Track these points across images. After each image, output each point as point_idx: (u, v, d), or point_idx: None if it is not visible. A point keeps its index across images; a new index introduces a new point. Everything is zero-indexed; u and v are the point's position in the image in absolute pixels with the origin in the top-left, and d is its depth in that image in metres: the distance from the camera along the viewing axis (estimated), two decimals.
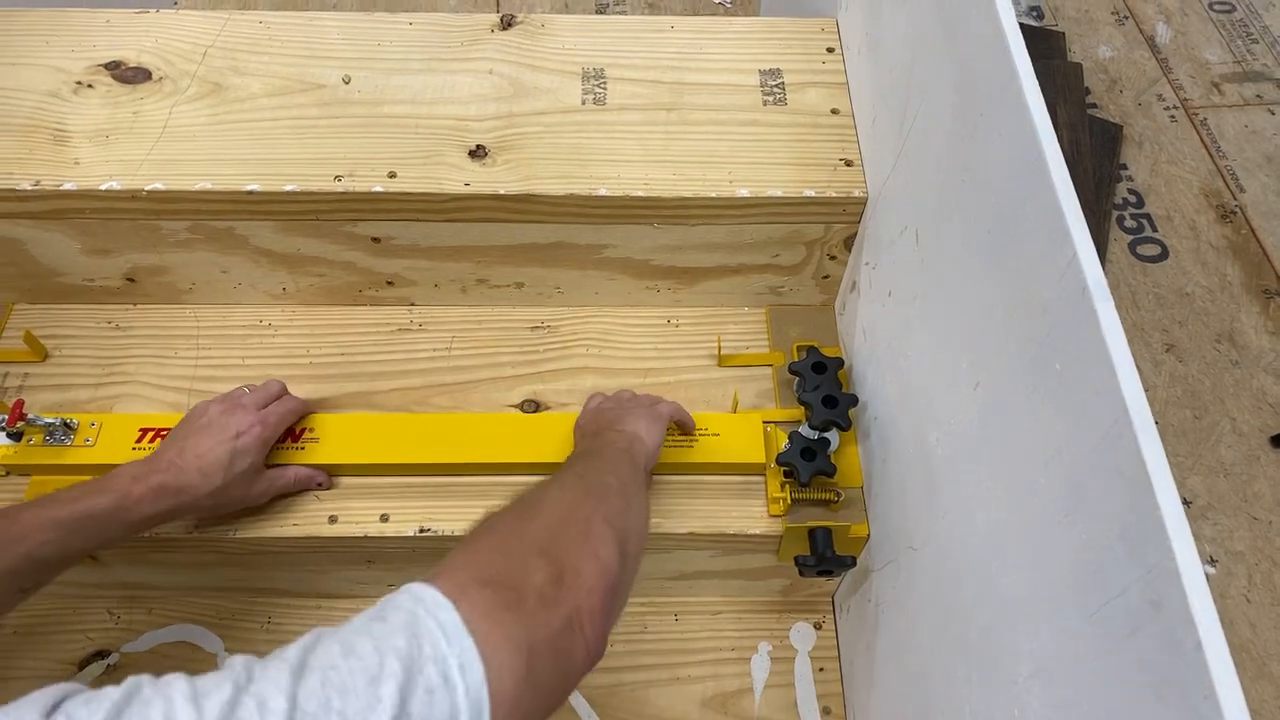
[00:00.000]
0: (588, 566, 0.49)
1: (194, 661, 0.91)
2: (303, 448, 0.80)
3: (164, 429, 0.79)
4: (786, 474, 0.79)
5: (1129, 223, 1.48)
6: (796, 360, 0.84)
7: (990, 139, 0.54)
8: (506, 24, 0.94)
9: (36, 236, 0.85)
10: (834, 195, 0.81)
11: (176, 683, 0.37)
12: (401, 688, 0.38)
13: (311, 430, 0.81)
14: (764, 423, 0.84)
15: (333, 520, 0.81)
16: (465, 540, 0.50)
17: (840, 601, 0.94)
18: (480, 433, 0.82)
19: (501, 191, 0.81)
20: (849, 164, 0.83)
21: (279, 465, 0.79)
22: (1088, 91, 1.63)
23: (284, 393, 0.81)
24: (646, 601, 0.94)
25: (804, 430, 0.80)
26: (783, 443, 0.80)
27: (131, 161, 0.82)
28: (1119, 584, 0.39)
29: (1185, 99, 1.64)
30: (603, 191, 0.81)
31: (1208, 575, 1.18)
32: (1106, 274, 1.31)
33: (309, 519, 0.80)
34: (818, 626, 0.94)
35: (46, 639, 0.92)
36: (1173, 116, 1.61)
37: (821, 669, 0.92)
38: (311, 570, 0.88)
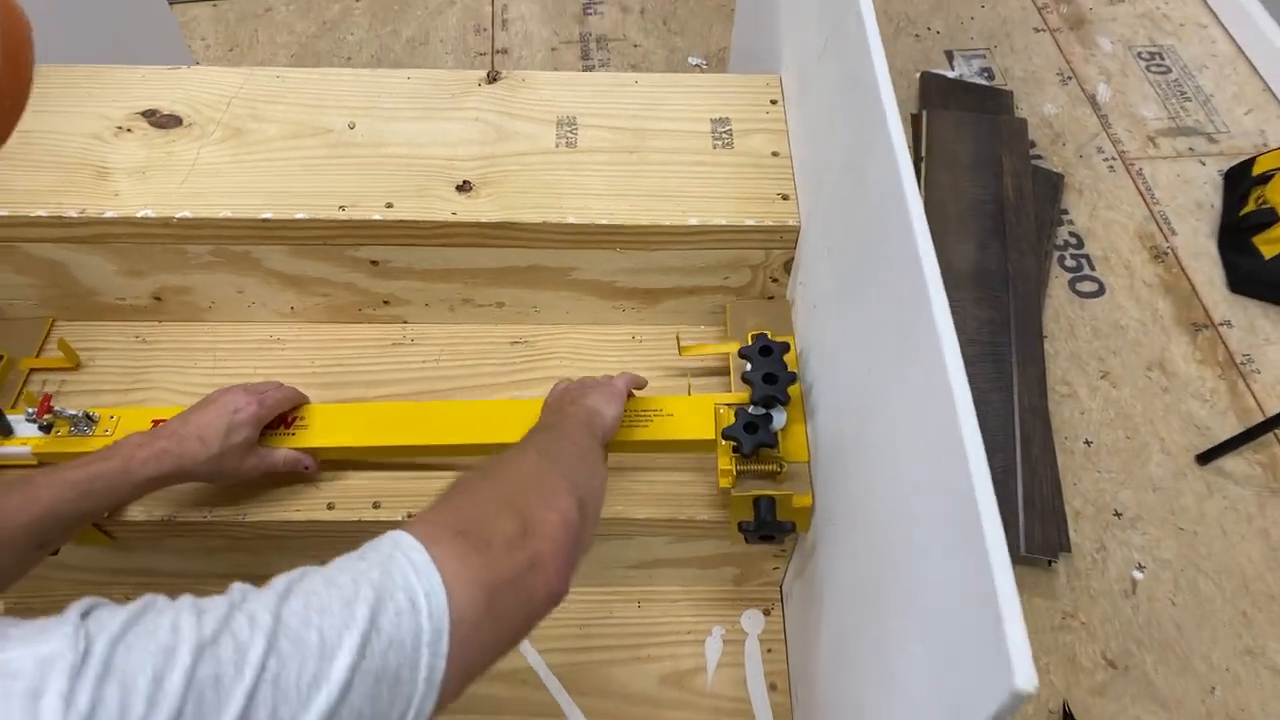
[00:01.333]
0: (550, 517, 0.56)
1: None
2: (293, 433, 0.89)
3: None
4: (735, 449, 0.84)
5: (1069, 262, 1.61)
6: (747, 346, 0.90)
7: (871, 176, 0.67)
8: (492, 79, 1.08)
9: (78, 259, 0.98)
10: (771, 224, 0.94)
11: (184, 599, 0.43)
12: (373, 608, 0.44)
13: (303, 419, 0.90)
14: (716, 405, 0.90)
15: (330, 507, 0.91)
16: (441, 496, 0.58)
17: (787, 589, 1.04)
18: (457, 416, 0.90)
19: (484, 220, 0.93)
20: (785, 198, 0.96)
21: (271, 447, 0.87)
22: (1033, 144, 1.77)
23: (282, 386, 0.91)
24: (611, 590, 1.04)
25: (750, 409, 0.86)
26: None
27: (164, 193, 0.94)
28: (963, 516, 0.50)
29: (1123, 151, 1.78)
30: (572, 219, 0.94)
31: (1136, 580, 1.28)
32: (1047, 308, 1.44)
33: (310, 506, 0.91)
34: (766, 613, 1.04)
35: None
36: (1111, 167, 1.75)
37: (769, 650, 1.01)
38: (311, 557, 0.99)
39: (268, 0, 2.05)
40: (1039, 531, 1.27)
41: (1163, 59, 1.94)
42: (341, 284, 1.01)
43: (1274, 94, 1.85)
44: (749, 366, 0.89)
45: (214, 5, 2.01)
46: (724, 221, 0.94)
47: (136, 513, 0.90)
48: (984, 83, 1.88)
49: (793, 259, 0.98)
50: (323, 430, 0.90)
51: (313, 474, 0.91)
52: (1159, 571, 1.28)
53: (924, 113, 1.76)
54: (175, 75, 1.07)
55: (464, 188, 0.96)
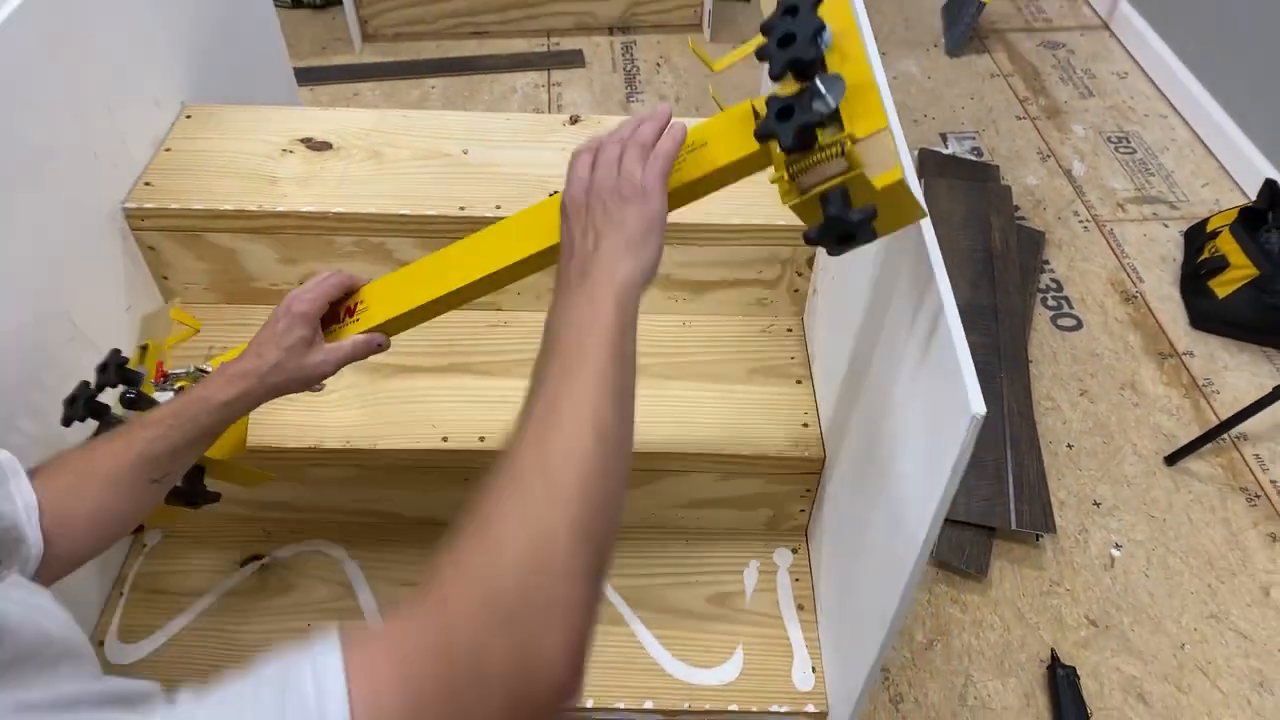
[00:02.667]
0: (556, 640, 0.46)
1: (324, 566, 1.22)
2: (357, 319, 0.86)
3: None
4: (780, 149, 0.65)
5: (1051, 303, 1.86)
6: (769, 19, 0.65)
7: None
8: (574, 121, 1.36)
9: (248, 248, 1.24)
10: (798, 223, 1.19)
11: None
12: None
13: (362, 302, 0.87)
14: (753, 107, 0.72)
15: (445, 440, 1.14)
16: (416, 592, 0.48)
17: (811, 532, 1.24)
18: (504, 234, 0.81)
19: None
20: None
21: (338, 340, 0.85)
22: (1017, 208, 2.04)
23: None
24: (666, 529, 1.25)
25: (779, 93, 0.65)
26: None
27: (322, 195, 1.21)
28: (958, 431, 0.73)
29: (1096, 215, 2.05)
30: None
31: (1114, 556, 1.47)
32: (1032, 340, 1.67)
33: (427, 438, 1.13)
34: (794, 551, 1.24)
35: (215, 545, 1.23)
36: (1086, 227, 2.02)
37: (797, 579, 1.21)
38: (421, 491, 1.20)
39: (356, 86, 2.39)
40: (1027, 511, 1.47)
41: (1129, 142, 2.24)
42: None
43: (1226, 171, 2.14)
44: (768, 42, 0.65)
45: (310, 90, 2.35)
46: (761, 221, 1.19)
47: (289, 441, 1.13)
48: (974, 158, 2.17)
49: (814, 255, 1.23)
50: (382, 306, 0.85)
51: (385, 348, 0.87)
52: (1134, 550, 1.48)
53: (922, 180, 2.04)
54: (325, 113, 1.35)
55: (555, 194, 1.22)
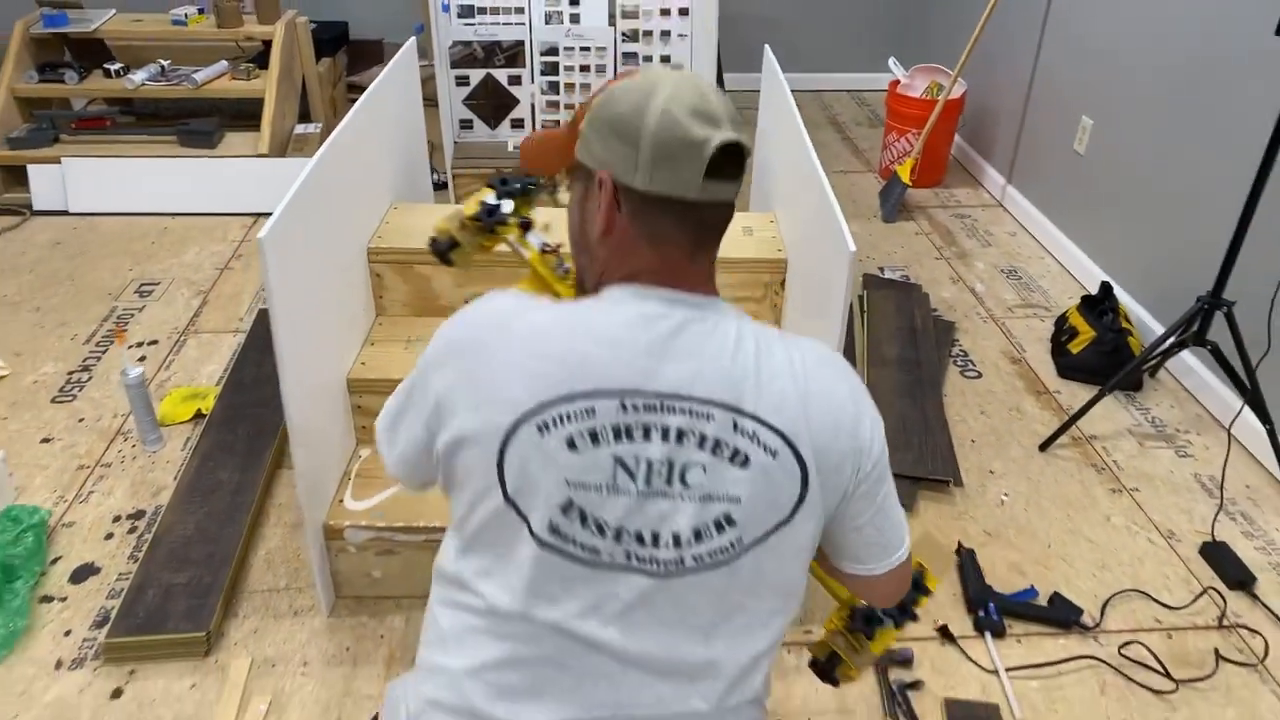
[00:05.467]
0: None
1: None
2: None
3: None
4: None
5: (959, 363, 2.61)
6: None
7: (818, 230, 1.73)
8: None
9: (437, 274, 2.00)
10: (772, 257, 1.98)
11: None
12: None
13: None
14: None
15: None
16: None
17: None
18: None
19: None
20: (780, 250, 2.00)
21: None
22: (935, 309, 2.84)
23: None
24: None
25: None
26: None
27: None
28: None
29: (992, 314, 2.85)
30: None
31: (1003, 499, 2.12)
32: (946, 383, 2.47)
33: None
34: None
35: None
36: (985, 322, 2.81)
37: None
38: None
39: None
40: (940, 464, 2.14)
41: (1017, 274, 3.09)
42: None
43: (1081, 284, 2.96)
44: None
45: None
46: (751, 256, 1.98)
47: None
48: (901, 279, 3.01)
49: (784, 279, 2.00)
50: None
51: None
52: (1016, 497, 2.13)
53: (865, 292, 2.85)
54: None
55: None
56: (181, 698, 1.60)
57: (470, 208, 1.24)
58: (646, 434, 0.82)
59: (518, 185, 1.27)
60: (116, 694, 1.60)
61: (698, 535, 0.83)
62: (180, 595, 1.72)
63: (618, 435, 0.81)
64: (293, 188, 1.51)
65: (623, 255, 0.87)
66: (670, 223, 0.86)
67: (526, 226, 1.26)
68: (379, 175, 2.10)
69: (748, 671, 0.90)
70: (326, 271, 1.74)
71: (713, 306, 0.88)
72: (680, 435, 0.82)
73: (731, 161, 0.84)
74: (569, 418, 0.81)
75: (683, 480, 0.82)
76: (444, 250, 1.25)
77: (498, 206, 1.22)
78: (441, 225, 1.25)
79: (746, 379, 0.83)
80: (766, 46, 2.46)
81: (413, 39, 2.49)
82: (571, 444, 0.81)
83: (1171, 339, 2.17)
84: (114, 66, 3.45)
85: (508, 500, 0.83)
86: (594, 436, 0.81)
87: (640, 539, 0.82)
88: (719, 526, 0.83)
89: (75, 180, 3.22)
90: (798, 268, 1.92)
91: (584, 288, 0.95)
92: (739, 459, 0.82)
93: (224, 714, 1.56)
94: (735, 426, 0.82)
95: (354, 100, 4.41)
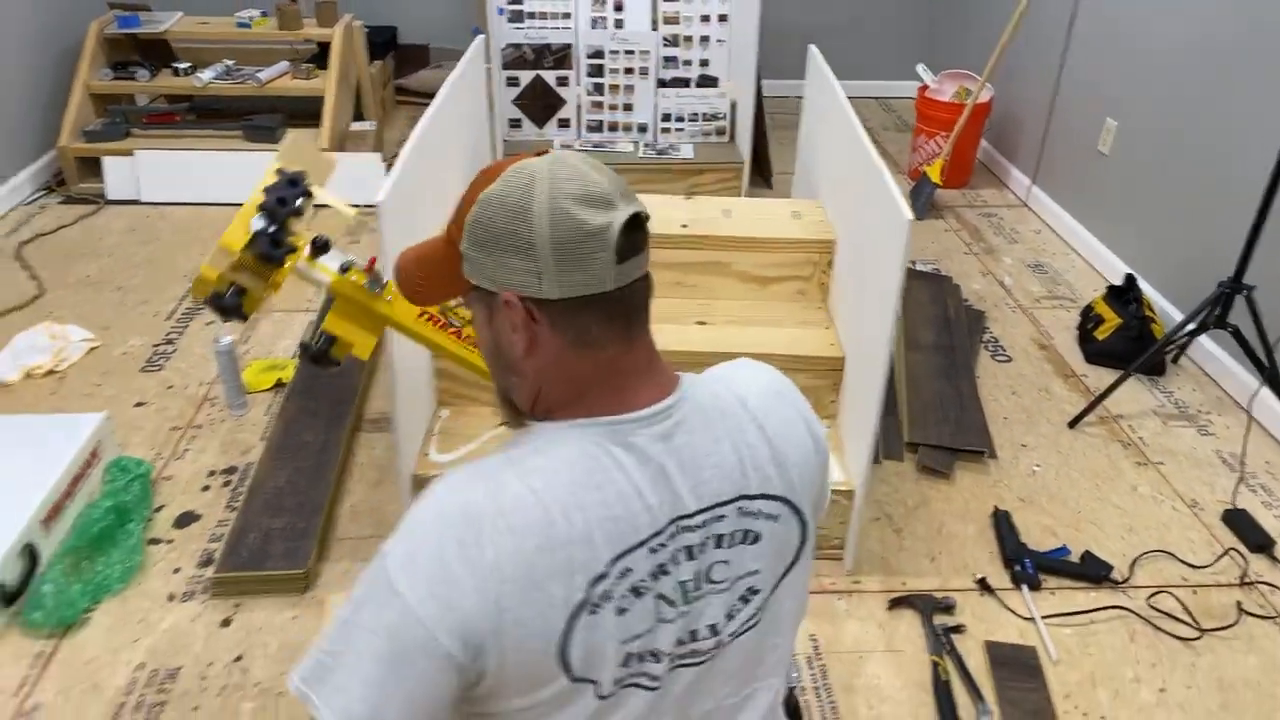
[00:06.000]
0: None
1: None
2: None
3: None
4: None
5: (990, 348, 2.74)
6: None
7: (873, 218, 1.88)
8: (688, 196, 2.33)
9: None
10: (821, 238, 2.12)
11: None
12: None
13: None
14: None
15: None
16: None
17: (840, 421, 2.06)
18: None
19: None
20: (828, 232, 2.15)
21: None
22: (966, 299, 2.98)
23: None
24: None
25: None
26: None
27: None
28: None
29: (1019, 304, 2.99)
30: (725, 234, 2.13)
31: (1035, 471, 2.25)
32: (978, 367, 2.61)
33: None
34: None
35: (483, 417, 2.05)
36: (1014, 312, 2.95)
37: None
38: None
39: None
40: (976, 437, 2.28)
41: (1043, 268, 3.22)
42: None
43: (1105, 278, 3.09)
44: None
45: None
46: (797, 236, 2.12)
47: None
48: (931, 271, 3.15)
49: (832, 259, 2.15)
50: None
51: None
52: (1048, 469, 2.26)
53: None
54: None
55: (684, 226, 2.16)
56: (284, 627, 1.75)
57: (236, 240, 1.02)
58: (675, 560, 0.81)
59: (285, 199, 1.04)
60: (225, 623, 1.75)
61: (729, 617, 0.86)
62: (278, 538, 1.88)
63: (654, 576, 0.80)
64: (399, 163, 1.67)
65: (559, 368, 0.81)
66: (596, 319, 0.78)
67: (322, 247, 1.07)
68: (455, 160, 2.25)
69: (784, 677, 0.97)
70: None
71: (672, 399, 0.82)
72: (701, 546, 0.82)
73: (637, 235, 0.78)
74: (610, 592, 0.77)
75: (709, 580, 0.84)
76: (234, 304, 1.04)
77: (277, 230, 1.02)
78: (210, 273, 1.02)
79: (739, 464, 0.83)
80: (812, 46, 2.62)
81: (480, 38, 2.66)
82: (621, 610, 0.78)
83: (1194, 322, 2.31)
84: (182, 66, 3.64)
85: (575, 680, 0.78)
86: (636, 591, 0.79)
87: (681, 642, 0.84)
88: (744, 600, 0.86)
89: (148, 172, 3.40)
90: (847, 248, 2.07)
91: (513, 405, 0.87)
92: (750, 538, 0.85)
93: None
94: (741, 512, 0.84)
95: (401, 102, 4.59)
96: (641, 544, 0.79)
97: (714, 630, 0.85)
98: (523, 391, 0.84)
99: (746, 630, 0.88)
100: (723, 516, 0.83)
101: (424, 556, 0.74)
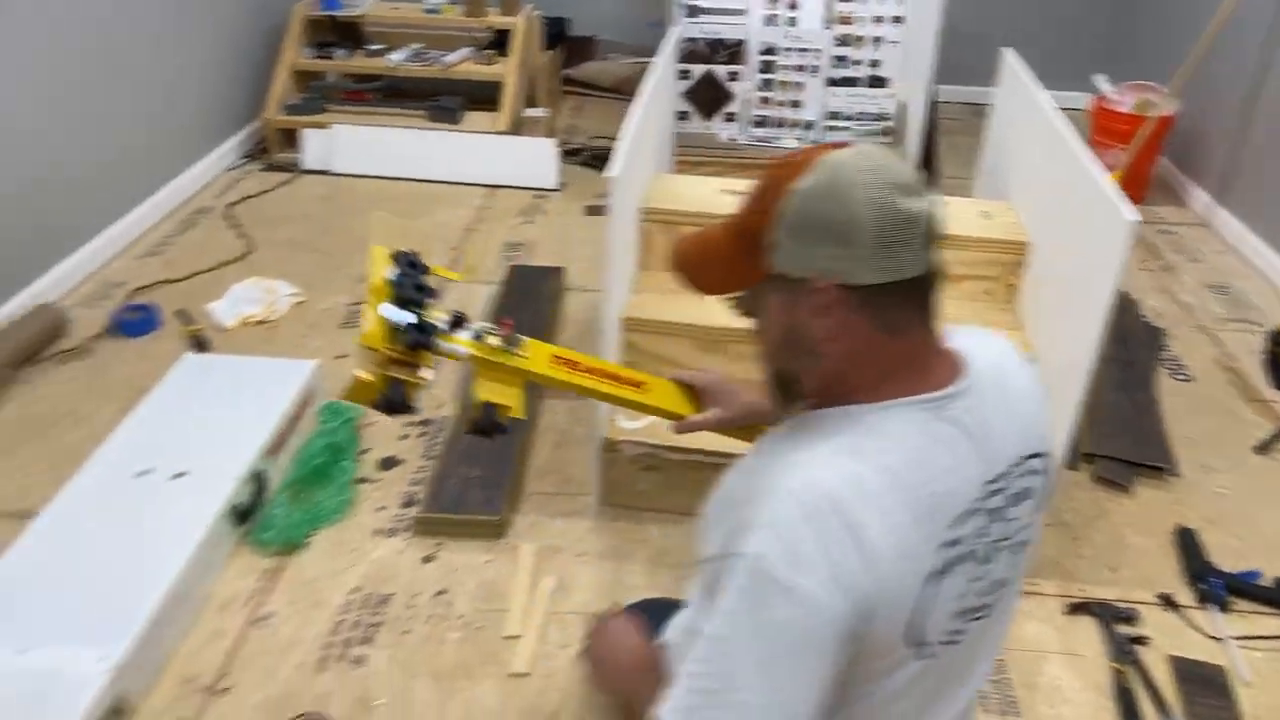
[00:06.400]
0: None
1: None
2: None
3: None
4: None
5: (1169, 367, 2.66)
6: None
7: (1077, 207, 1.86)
8: None
9: None
10: (1013, 239, 2.11)
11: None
12: None
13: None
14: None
15: None
16: None
17: None
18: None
19: None
20: (1021, 234, 2.14)
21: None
22: (1143, 315, 2.90)
23: None
24: None
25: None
26: None
27: None
28: None
29: (1201, 324, 2.88)
30: None
31: (1219, 494, 2.18)
32: (1156, 386, 2.53)
33: None
34: None
35: None
36: (1194, 330, 2.85)
37: None
38: None
39: None
40: (1156, 451, 2.22)
41: (1225, 290, 3.10)
42: None
43: None
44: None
45: None
46: (980, 235, 2.12)
47: None
48: None
49: (1021, 261, 2.14)
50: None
51: None
52: (1236, 491, 2.19)
53: None
54: (738, 181, 2.39)
55: None
56: (481, 569, 1.87)
57: (377, 338, 1.04)
58: (990, 522, 0.89)
59: (421, 285, 1.10)
60: (427, 559, 1.89)
61: (1012, 569, 0.96)
62: (475, 486, 2.00)
63: (977, 538, 0.88)
64: (624, 142, 1.76)
65: (867, 351, 0.86)
66: (903, 304, 0.85)
67: (458, 322, 1.12)
68: (650, 146, 2.35)
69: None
70: (621, 222, 1.99)
71: (970, 375, 0.90)
72: (1003, 509, 0.91)
73: (938, 222, 0.86)
74: (952, 558, 0.86)
75: (1005, 537, 0.93)
76: (399, 398, 1.08)
77: (417, 321, 1.06)
78: (369, 378, 1.06)
79: (1020, 429, 0.92)
80: (1007, 50, 2.60)
81: (670, 30, 2.74)
82: (955, 575, 0.87)
83: None
84: (375, 47, 3.87)
85: (914, 645, 0.86)
86: (964, 557, 0.87)
87: (981, 597, 0.92)
88: (1016, 552, 0.96)
89: (342, 145, 3.64)
90: (1046, 251, 2.05)
91: (786, 391, 0.94)
92: (1028, 494, 0.94)
93: (520, 585, 1.82)
94: (1023, 472, 0.93)
95: (567, 92, 4.73)
96: (970, 511, 0.87)
97: (1002, 584, 0.95)
98: (816, 376, 0.89)
99: (1016, 579, 0.99)
100: (1016, 476, 0.93)
101: (808, 547, 0.78)
